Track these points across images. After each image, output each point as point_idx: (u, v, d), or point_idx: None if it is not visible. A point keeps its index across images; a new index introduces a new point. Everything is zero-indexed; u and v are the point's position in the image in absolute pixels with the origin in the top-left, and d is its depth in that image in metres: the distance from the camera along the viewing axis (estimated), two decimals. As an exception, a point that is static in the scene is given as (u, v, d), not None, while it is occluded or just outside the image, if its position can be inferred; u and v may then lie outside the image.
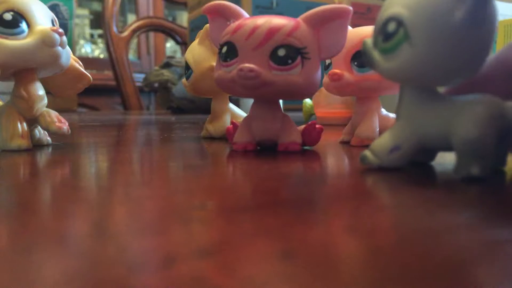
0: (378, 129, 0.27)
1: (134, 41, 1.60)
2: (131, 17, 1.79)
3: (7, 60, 0.23)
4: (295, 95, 0.23)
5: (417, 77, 0.17)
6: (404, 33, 0.16)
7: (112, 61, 1.31)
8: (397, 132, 0.17)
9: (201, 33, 0.32)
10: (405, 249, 0.09)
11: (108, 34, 1.28)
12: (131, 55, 1.62)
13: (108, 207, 0.13)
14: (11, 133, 0.25)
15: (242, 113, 0.33)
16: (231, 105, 0.34)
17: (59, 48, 0.24)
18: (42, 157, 0.23)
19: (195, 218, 0.11)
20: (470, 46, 0.15)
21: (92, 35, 1.84)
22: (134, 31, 1.35)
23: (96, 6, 1.78)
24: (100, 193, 0.15)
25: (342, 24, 0.23)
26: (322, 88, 0.29)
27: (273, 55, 0.22)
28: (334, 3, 0.25)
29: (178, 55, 1.75)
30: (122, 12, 1.77)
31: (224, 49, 0.23)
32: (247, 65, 0.21)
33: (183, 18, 1.85)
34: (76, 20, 1.68)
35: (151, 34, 1.72)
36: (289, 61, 0.22)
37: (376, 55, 0.17)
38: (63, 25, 0.97)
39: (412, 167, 0.19)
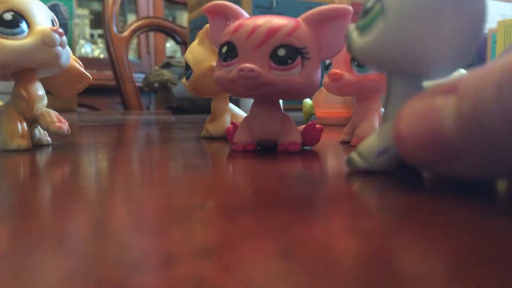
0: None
1: (134, 41, 1.60)
2: (131, 17, 1.79)
3: (7, 60, 0.23)
4: (295, 95, 0.23)
5: (387, 57, 0.15)
6: (380, 7, 0.15)
7: (112, 61, 1.31)
8: (386, 134, 0.16)
9: (201, 33, 0.32)
10: (405, 249, 0.09)
11: (108, 34, 1.28)
12: (131, 55, 1.62)
13: (108, 207, 0.13)
14: (11, 133, 0.25)
15: (242, 113, 0.33)
16: (231, 105, 0.34)
17: (59, 48, 0.24)
18: (42, 157, 0.23)
19: (195, 218, 0.11)
20: (450, 30, 0.14)
21: (92, 35, 1.84)
22: (134, 31, 1.34)
23: (96, 6, 1.78)
24: (100, 193, 0.15)
25: (342, 24, 0.23)
26: (322, 88, 0.29)
27: (273, 55, 0.22)
28: (334, 3, 0.25)
29: (178, 55, 1.75)
30: (122, 12, 1.77)
31: (224, 49, 0.23)
32: (247, 65, 0.21)
33: (183, 18, 1.85)
34: (76, 20, 1.68)
35: (151, 34, 1.72)
36: (289, 61, 0.22)
37: (354, 35, 0.17)
38: (63, 25, 0.97)
39: (411, 168, 0.19)
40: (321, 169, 0.20)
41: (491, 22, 0.50)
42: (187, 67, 0.32)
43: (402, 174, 0.17)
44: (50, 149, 0.27)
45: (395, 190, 0.15)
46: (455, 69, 0.16)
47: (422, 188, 0.15)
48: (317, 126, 0.26)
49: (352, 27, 0.17)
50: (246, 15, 0.25)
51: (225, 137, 0.31)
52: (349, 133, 0.29)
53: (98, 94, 1.49)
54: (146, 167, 0.21)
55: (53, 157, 0.24)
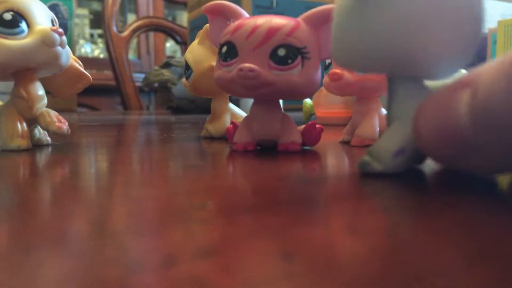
0: (378, 129, 0.27)
1: (134, 41, 1.60)
2: (131, 17, 1.79)
3: (7, 60, 0.23)
4: (295, 95, 0.23)
5: (342, 58, 0.16)
6: None
7: (112, 61, 1.31)
8: (399, 134, 0.16)
9: (201, 33, 0.32)
10: (405, 249, 0.09)
11: (108, 34, 1.28)
12: (131, 55, 1.62)
13: (108, 207, 0.13)
14: (10, 133, 0.25)
15: (242, 113, 0.33)
16: (231, 105, 0.34)
17: (59, 48, 0.24)
18: (42, 157, 0.23)
19: (195, 218, 0.11)
20: (448, 29, 0.14)
21: (92, 35, 1.84)
22: (134, 31, 1.35)
23: (96, 6, 1.78)
24: (99, 193, 0.15)
25: (342, 24, 0.23)
26: (322, 88, 0.29)
27: (273, 55, 0.22)
28: (334, 3, 0.25)
29: (178, 55, 1.75)
30: (122, 12, 1.77)
31: (224, 49, 0.23)
32: (247, 65, 0.21)
33: (183, 18, 1.85)
34: (76, 20, 1.68)
35: (151, 34, 1.72)
36: (289, 61, 0.22)
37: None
38: (63, 25, 0.97)
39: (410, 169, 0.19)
40: (321, 169, 0.20)
41: (491, 22, 0.50)
42: (187, 67, 0.32)
43: (402, 174, 0.17)
44: (49, 149, 0.27)
45: (395, 190, 0.15)
46: (456, 69, 0.16)
47: (423, 188, 0.15)
48: (317, 126, 0.26)
49: None
50: (246, 15, 0.25)
51: (225, 137, 0.31)
52: (349, 133, 0.29)
53: (98, 94, 1.49)
54: (146, 167, 0.21)
55: (52, 157, 0.24)
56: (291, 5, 0.84)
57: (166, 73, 1.04)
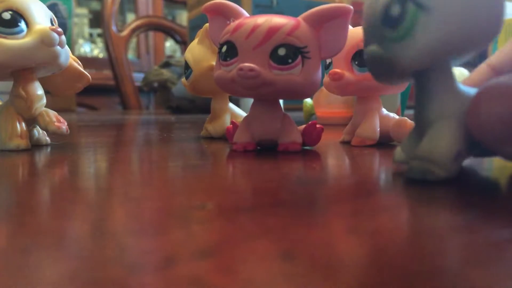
0: (378, 129, 0.27)
1: (134, 40, 1.60)
2: (130, 16, 1.79)
3: (6, 60, 0.23)
4: (295, 94, 0.23)
5: (447, 48, 0.14)
6: (414, 6, 0.14)
7: (111, 61, 1.31)
8: (452, 135, 0.15)
9: (200, 32, 0.32)
10: (405, 249, 0.09)
11: (107, 34, 1.28)
12: (131, 55, 1.62)
13: (107, 207, 0.13)
14: (9, 133, 0.25)
15: (242, 113, 0.33)
16: (231, 105, 0.33)
17: (58, 47, 0.24)
18: (41, 157, 0.23)
19: (195, 218, 0.11)
20: (486, 5, 0.14)
21: (91, 35, 1.84)
22: (133, 31, 1.34)
23: (95, 5, 1.77)
24: (99, 193, 0.15)
25: (342, 23, 0.23)
26: (323, 88, 0.29)
27: (273, 55, 0.22)
28: (334, 2, 0.25)
29: (178, 54, 1.75)
30: (122, 11, 1.77)
31: (224, 48, 0.23)
32: (247, 64, 0.21)
33: (183, 17, 1.85)
34: (75, 19, 1.68)
35: (151, 34, 1.72)
36: (290, 61, 0.22)
37: (388, 53, 0.15)
38: (62, 24, 0.97)
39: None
40: (321, 169, 0.20)
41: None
42: (187, 66, 0.32)
43: (401, 174, 0.17)
44: (49, 149, 0.27)
45: (395, 190, 0.15)
46: (486, 45, 0.15)
47: (422, 189, 0.15)
48: (317, 126, 0.26)
49: (375, 48, 0.16)
50: (246, 14, 0.25)
51: (225, 137, 0.31)
52: (349, 133, 0.29)
53: (97, 94, 1.49)
54: (145, 167, 0.21)
55: (52, 157, 0.24)
56: (292, 4, 0.84)
57: (166, 73, 1.04)
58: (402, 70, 0.15)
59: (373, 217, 0.11)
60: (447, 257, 0.08)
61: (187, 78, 0.32)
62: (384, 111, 0.29)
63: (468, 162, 0.19)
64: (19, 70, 0.25)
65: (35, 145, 0.27)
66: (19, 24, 0.24)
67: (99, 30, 1.77)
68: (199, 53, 0.31)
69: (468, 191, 0.15)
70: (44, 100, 0.26)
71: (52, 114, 0.26)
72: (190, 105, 0.88)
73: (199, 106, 0.86)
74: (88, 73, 0.29)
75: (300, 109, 0.63)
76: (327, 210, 0.12)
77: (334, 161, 0.23)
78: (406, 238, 0.10)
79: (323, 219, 0.11)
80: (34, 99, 0.25)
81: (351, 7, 0.23)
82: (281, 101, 0.26)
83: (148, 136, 0.40)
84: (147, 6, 1.71)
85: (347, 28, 0.23)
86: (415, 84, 0.16)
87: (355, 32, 0.26)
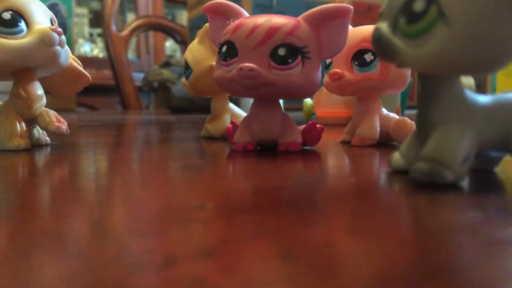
0: (378, 129, 0.27)
1: (134, 40, 1.60)
2: (130, 16, 1.79)
3: (6, 60, 0.23)
4: (295, 94, 0.23)
5: (456, 64, 0.14)
6: (437, 12, 0.13)
7: (111, 61, 1.31)
8: (460, 138, 0.15)
9: (200, 32, 0.32)
10: (405, 249, 0.09)
11: (107, 33, 1.28)
12: (131, 54, 1.62)
13: (107, 207, 0.13)
14: (9, 133, 0.25)
15: (242, 113, 0.33)
16: (231, 105, 0.33)
17: (58, 47, 0.24)
18: (41, 157, 0.23)
19: (195, 218, 0.11)
20: (504, 38, 0.13)
21: (91, 34, 1.84)
22: (133, 30, 1.34)
23: (95, 5, 1.77)
24: (99, 193, 0.15)
25: (342, 23, 0.23)
26: (323, 88, 0.29)
27: (273, 55, 0.22)
28: (334, 2, 0.25)
29: (178, 54, 1.75)
30: (122, 11, 1.77)
31: (224, 48, 0.23)
32: (247, 64, 0.21)
33: (183, 17, 1.85)
34: (75, 19, 1.68)
35: (151, 33, 1.72)
36: (290, 61, 0.22)
37: (397, 42, 0.15)
38: (62, 24, 0.97)
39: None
40: (321, 169, 0.20)
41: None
42: (187, 66, 0.32)
43: (401, 174, 0.17)
44: (49, 149, 0.27)
45: (394, 190, 0.15)
46: (509, 63, 0.15)
47: (422, 189, 0.15)
48: (317, 126, 0.26)
49: (386, 29, 0.15)
50: (246, 14, 0.25)
51: (225, 137, 0.31)
52: (349, 133, 0.29)
53: (97, 94, 1.49)
54: (145, 167, 0.21)
55: (52, 157, 0.24)
56: (292, 4, 0.84)
57: (166, 73, 1.04)
58: (402, 64, 0.15)
59: (373, 217, 0.11)
60: (447, 257, 0.08)
61: (187, 78, 0.32)
62: (384, 111, 0.29)
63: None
64: (19, 70, 0.25)
65: (35, 145, 0.27)
66: (19, 24, 0.24)
67: (99, 30, 1.77)
68: (199, 53, 0.31)
69: (468, 191, 0.15)
70: (44, 100, 0.26)
71: (52, 114, 0.26)
72: (190, 105, 0.88)
73: (199, 106, 0.86)
74: (88, 73, 0.29)
75: (300, 109, 0.63)
76: (326, 210, 0.12)
77: (334, 161, 0.23)
78: (406, 238, 0.10)
79: (323, 219, 0.11)
80: (34, 99, 0.25)
81: (351, 7, 0.23)
82: (281, 101, 0.26)
83: (148, 136, 0.40)
84: (147, 6, 1.71)
85: (347, 28, 0.23)
86: (420, 85, 0.16)
87: (355, 32, 0.26)
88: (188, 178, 0.17)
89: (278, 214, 0.11)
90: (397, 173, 0.17)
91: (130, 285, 0.07)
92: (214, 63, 0.25)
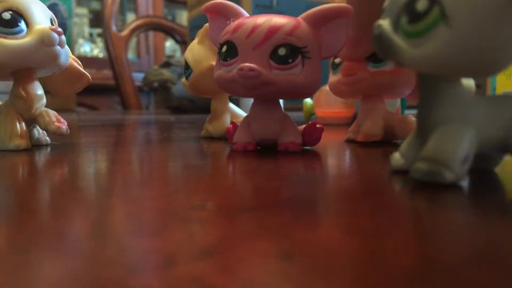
0: (383, 126, 0.28)
1: (134, 40, 1.60)
2: (130, 16, 1.79)
3: (6, 60, 0.23)
4: (295, 94, 0.23)
5: (455, 66, 0.14)
6: (440, 12, 0.13)
7: (111, 60, 1.31)
8: (460, 139, 0.15)
9: (200, 32, 0.32)
10: (405, 249, 0.09)
11: (107, 33, 1.28)
12: (131, 54, 1.62)
13: (107, 207, 0.13)
14: (9, 133, 0.25)
15: (242, 113, 0.33)
16: (231, 105, 0.33)
17: (58, 47, 0.24)
18: (41, 157, 0.23)
19: (195, 218, 0.11)
20: (505, 46, 0.13)
21: (91, 34, 1.84)
22: (133, 30, 1.35)
23: (95, 5, 1.77)
24: (99, 193, 0.15)
25: (342, 23, 0.23)
26: (323, 88, 0.29)
27: (273, 55, 0.22)
28: (334, 2, 0.25)
29: (178, 54, 1.75)
30: (122, 11, 1.77)
31: (224, 48, 0.23)
32: (247, 64, 0.21)
33: (183, 17, 1.85)
34: (75, 19, 1.68)
35: (151, 33, 1.72)
36: (290, 61, 0.22)
37: (398, 40, 0.15)
38: (62, 24, 0.97)
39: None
40: (321, 169, 0.20)
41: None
42: (187, 66, 0.32)
43: (401, 174, 0.17)
44: (49, 149, 0.27)
45: (395, 189, 0.15)
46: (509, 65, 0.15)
47: (422, 188, 0.15)
48: (317, 126, 0.26)
49: (387, 27, 0.15)
50: (246, 14, 0.25)
51: (225, 137, 0.31)
52: (354, 132, 0.29)
53: (97, 94, 1.49)
54: (145, 167, 0.21)
55: (52, 157, 0.24)
56: (292, 4, 0.84)
57: (166, 73, 1.04)
58: (400, 63, 0.15)
59: (373, 217, 0.11)
60: (447, 257, 0.08)
61: (187, 78, 0.32)
62: (388, 109, 0.29)
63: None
64: (19, 70, 0.25)
65: (35, 145, 0.27)
66: (19, 24, 0.24)
67: (99, 30, 1.77)
68: (199, 53, 0.31)
69: (468, 191, 0.15)
70: (44, 100, 0.26)
71: (52, 114, 0.26)
72: (190, 105, 0.88)
73: (199, 106, 0.86)
74: (88, 73, 0.29)
75: (300, 109, 0.63)
76: (327, 210, 0.12)
77: (334, 161, 0.23)
78: (406, 238, 0.10)
79: (323, 219, 0.11)
80: (34, 99, 0.25)
81: (351, 7, 0.23)
82: (281, 101, 0.26)
83: (148, 136, 0.40)
84: (147, 6, 1.71)
85: (347, 28, 0.23)
86: (421, 85, 0.16)
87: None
88: (188, 178, 0.17)
89: (278, 214, 0.11)
90: (397, 173, 0.17)
91: (130, 285, 0.07)
92: (214, 63, 0.25)
